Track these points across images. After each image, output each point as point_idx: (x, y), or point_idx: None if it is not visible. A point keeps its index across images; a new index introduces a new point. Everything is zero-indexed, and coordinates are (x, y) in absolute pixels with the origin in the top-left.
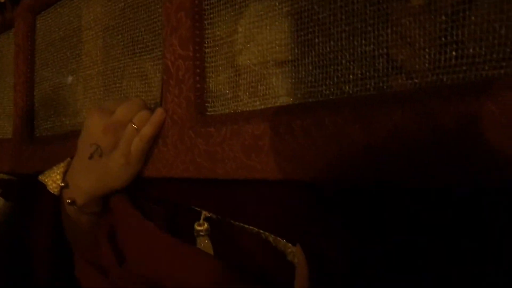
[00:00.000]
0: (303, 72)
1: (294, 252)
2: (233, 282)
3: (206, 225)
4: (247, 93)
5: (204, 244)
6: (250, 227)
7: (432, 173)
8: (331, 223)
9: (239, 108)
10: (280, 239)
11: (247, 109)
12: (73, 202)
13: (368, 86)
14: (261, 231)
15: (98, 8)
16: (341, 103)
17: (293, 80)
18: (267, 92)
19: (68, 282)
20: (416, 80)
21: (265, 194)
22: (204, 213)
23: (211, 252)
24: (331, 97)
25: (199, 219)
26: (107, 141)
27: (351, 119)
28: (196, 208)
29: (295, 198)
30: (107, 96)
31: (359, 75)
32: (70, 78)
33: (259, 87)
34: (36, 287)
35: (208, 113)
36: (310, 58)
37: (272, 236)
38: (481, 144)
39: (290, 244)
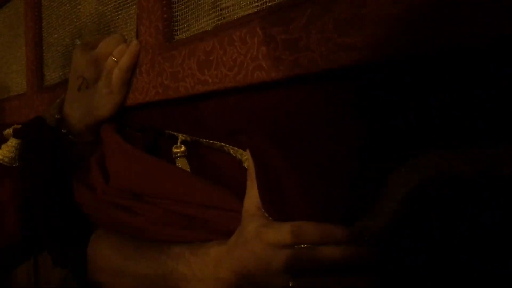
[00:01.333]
0: None
1: (247, 158)
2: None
3: (183, 147)
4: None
5: (182, 164)
6: (215, 142)
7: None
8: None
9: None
10: (237, 148)
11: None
12: (68, 132)
13: None
14: (223, 144)
15: None
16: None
17: None
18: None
19: (69, 207)
20: None
21: (221, 106)
22: (181, 137)
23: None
24: None
25: (176, 143)
26: (91, 72)
27: None
28: (173, 133)
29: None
30: None
31: None
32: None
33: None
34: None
35: (174, 40)
36: None
37: (232, 147)
38: None
39: (243, 151)
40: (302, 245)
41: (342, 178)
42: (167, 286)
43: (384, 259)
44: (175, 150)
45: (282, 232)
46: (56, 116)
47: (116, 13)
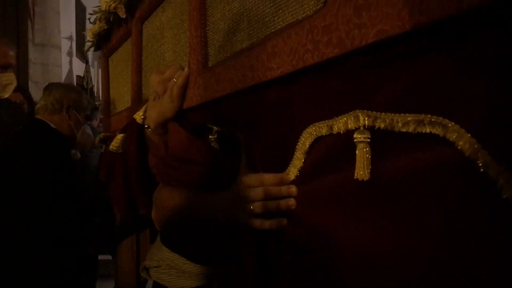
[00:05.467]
0: None
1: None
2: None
3: (216, 135)
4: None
5: (215, 145)
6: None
7: None
8: None
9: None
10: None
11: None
12: (148, 127)
13: None
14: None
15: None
16: None
17: None
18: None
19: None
20: None
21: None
22: (215, 128)
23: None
24: None
25: (212, 132)
26: (160, 89)
27: None
28: (210, 126)
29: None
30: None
31: None
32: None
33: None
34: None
35: (207, 67)
36: None
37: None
38: None
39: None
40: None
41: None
42: (200, 209)
43: None
44: (210, 137)
45: (252, 177)
46: (142, 117)
47: (180, 51)
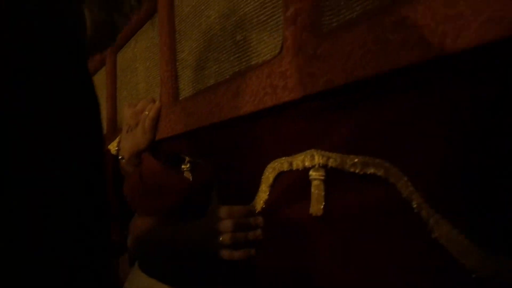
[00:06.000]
0: None
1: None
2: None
3: (188, 165)
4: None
5: (188, 175)
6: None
7: None
8: None
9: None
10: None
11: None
12: (122, 158)
13: None
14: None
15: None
16: None
17: None
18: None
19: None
20: None
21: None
22: (187, 158)
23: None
24: None
25: (185, 162)
26: (133, 121)
27: None
28: (183, 156)
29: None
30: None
31: None
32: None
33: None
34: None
35: (178, 100)
36: None
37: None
38: None
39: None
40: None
41: None
42: (172, 238)
43: None
44: (183, 167)
45: (222, 210)
46: (116, 148)
47: (153, 82)
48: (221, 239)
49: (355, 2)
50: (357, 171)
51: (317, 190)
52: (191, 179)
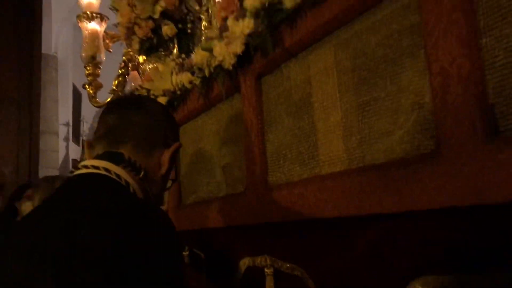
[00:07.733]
0: None
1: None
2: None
3: (188, 252)
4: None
5: (186, 260)
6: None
7: None
8: None
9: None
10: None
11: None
12: None
13: None
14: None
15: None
16: None
17: None
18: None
19: None
20: None
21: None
22: (187, 247)
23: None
24: None
25: (185, 250)
26: None
27: None
28: (197, 251)
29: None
30: None
31: None
32: None
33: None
34: None
35: (181, 204)
36: None
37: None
38: None
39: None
40: None
41: None
42: None
43: None
44: (183, 253)
45: None
46: None
47: None
48: None
49: None
50: (288, 271)
51: (269, 282)
52: (188, 264)
